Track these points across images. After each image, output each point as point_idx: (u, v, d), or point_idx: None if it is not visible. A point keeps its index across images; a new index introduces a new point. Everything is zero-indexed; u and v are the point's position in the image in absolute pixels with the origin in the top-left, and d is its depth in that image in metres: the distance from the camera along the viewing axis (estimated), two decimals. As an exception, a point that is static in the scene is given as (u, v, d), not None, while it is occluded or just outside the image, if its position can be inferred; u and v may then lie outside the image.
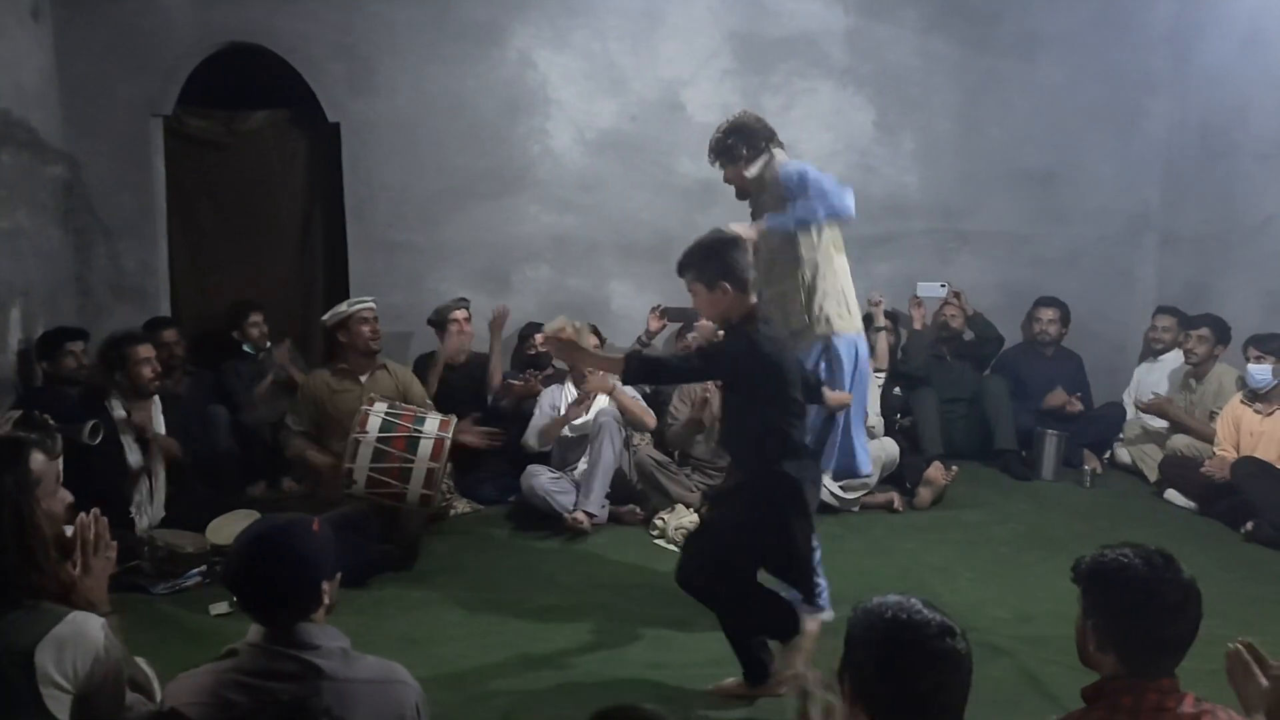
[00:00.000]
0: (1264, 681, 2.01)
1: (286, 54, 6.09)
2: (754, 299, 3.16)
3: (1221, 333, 5.61)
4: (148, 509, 4.56)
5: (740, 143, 3.88)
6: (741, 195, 4.01)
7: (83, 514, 2.15)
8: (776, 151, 3.90)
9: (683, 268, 3.18)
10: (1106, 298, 6.77)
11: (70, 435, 3.70)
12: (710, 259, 3.12)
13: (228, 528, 4.35)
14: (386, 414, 4.42)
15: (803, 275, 3.78)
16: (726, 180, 3.99)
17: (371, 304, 5.20)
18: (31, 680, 1.79)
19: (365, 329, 5.02)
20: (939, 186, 6.66)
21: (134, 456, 4.52)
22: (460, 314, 5.82)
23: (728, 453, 3.54)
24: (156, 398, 4.74)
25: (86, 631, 1.87)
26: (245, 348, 5.92)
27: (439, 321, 5.84)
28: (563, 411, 5.24)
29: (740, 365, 3.13)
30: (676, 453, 5.32)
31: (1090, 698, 1.94)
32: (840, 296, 3.84)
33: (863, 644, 1.70)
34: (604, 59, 6.36)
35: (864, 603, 1.77)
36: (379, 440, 4.32)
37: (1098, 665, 1.95)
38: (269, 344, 5.94)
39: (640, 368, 3.34)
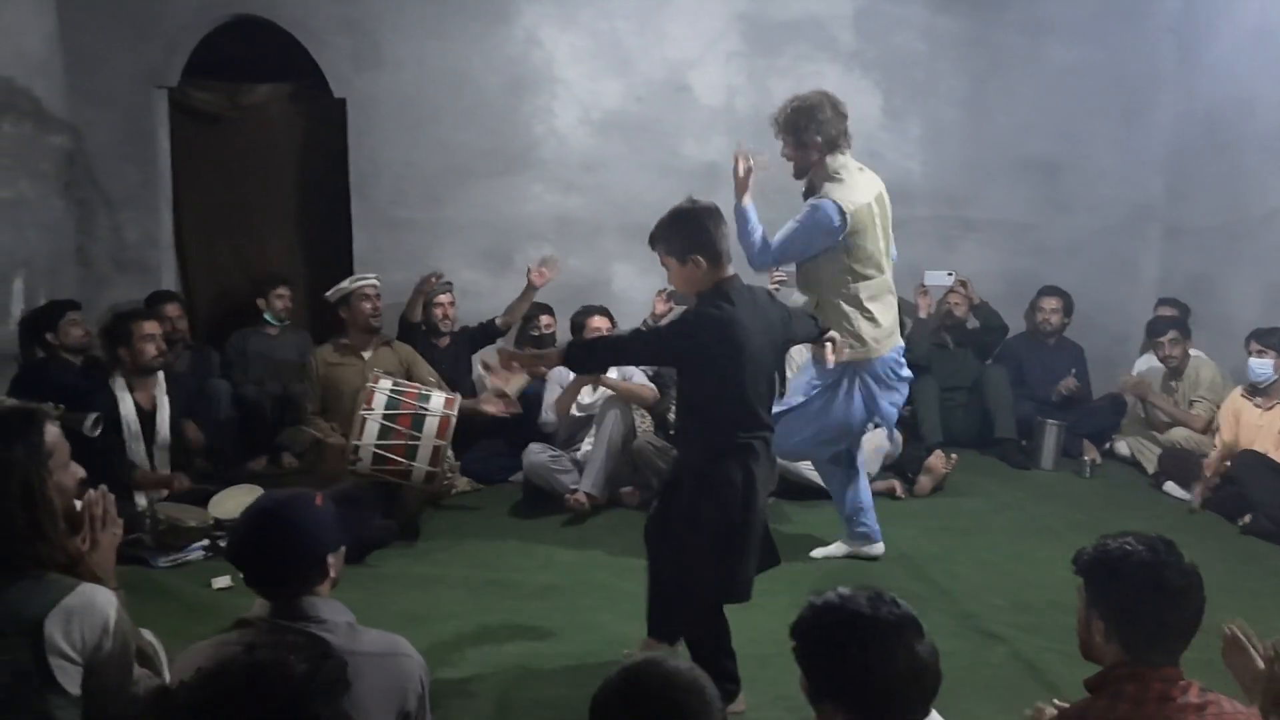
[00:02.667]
0: (1260, 663, 2.03)
1: (291, 27, 6.05)
2: (729, 272, 2.94)
3: (1185, 329, 5.74)
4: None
5: (808, 124, 3.85)
6: (800, 174, 4.00)
7: (90, 490, 2.15)
8: (832, 161, 3.87)
9: (654, 239, 3.00)
10: (1109, 288, 6.77)
11: (71, 425, 3.71)
12: (681, 229, 2.93)
13: (229, 502, 4.37)
14: (392, 391, 4.41)
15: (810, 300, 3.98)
16: (786, 156, 3.97)
17: (374, 281, 5.21)
18: (40, 650, 1.80)
19: (366, 305, 5.05)
20: (944, 173, 6.65)
21: (136, 444, 4.54)
22: (445, 297, 5.82)
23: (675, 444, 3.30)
24: (161, 374, 4.75)
25: (95, 603, 1.87)
26: (266, 316, 5.94)
27: (425, 304, 5.85)
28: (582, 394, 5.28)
29: (683, 350, 2.92)
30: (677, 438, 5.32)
31: (1094, 687, 1.95)
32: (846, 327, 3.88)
33: (825, 660, 1.67)
34: (610, 39, 6.33)
35: (798, 621, 1.73)
36: (385, 417, 4.32)
37: (1101, 657, 1.96)
38: (286, 321, 5.96)
39: (581, 355, 3.16)
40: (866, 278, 3.94)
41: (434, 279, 5.79)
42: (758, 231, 3.90)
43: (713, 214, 2.95)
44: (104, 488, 2.16)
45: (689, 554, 2.98)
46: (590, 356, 3.24)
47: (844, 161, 3.89)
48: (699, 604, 3.06)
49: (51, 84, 5.75)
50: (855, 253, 3.89)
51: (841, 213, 3.79)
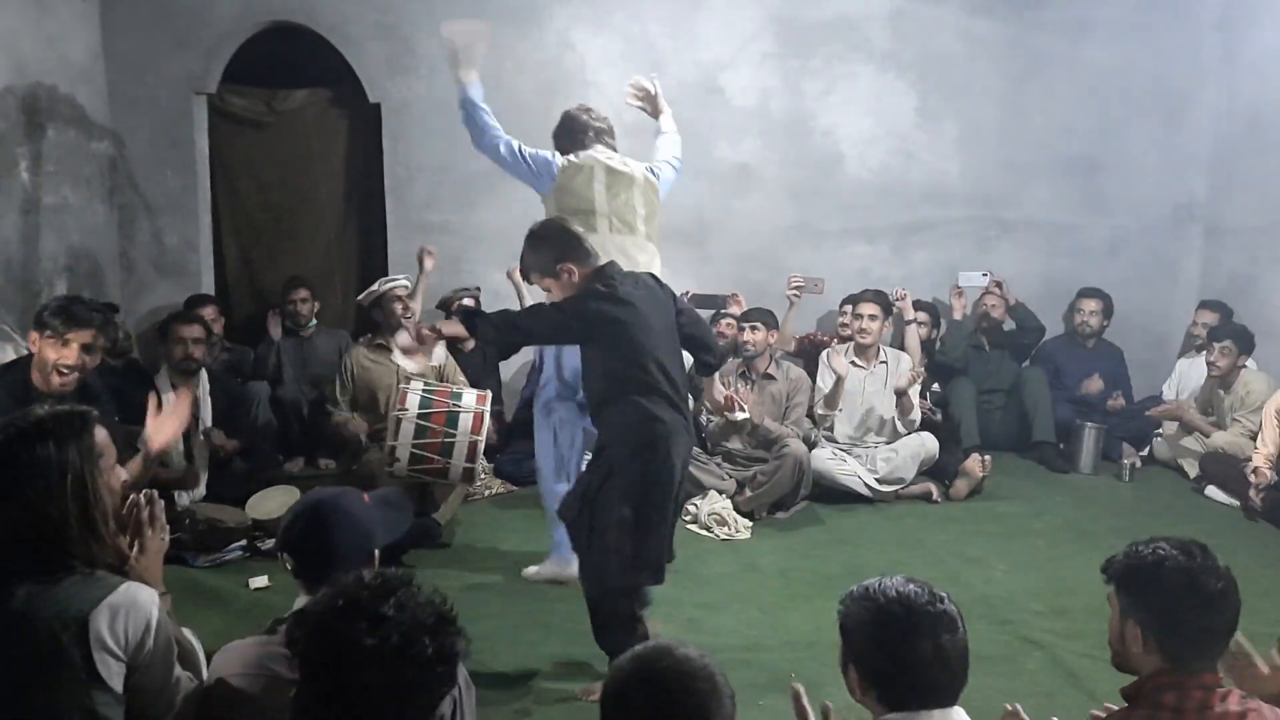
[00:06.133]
0: (1265, 669, 2.00)
1: (327, 33, 6.11)
2: (598, 261, 3.12)
3: (1245, 343, 5.52)
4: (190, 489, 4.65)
5: (563, 135, 4.01)
6: None
7: (138, 494, 2.20)
8: (596, 149, 3.95)
9: (524, 272, 3.22)
10: (1149, 290, 6.66)
11: (131, 439, 3.82)
12: (541, 249, 3.13)
13: (267, 503, 4.42)
14: (424, 390, 4.45)
15: None
16: None
17: (405, 282, 5.27)
18: (85, 645, 1.83)
19: (398, 306, 5.12)
20: (980, 174, 6.58)
21: (175, 443, 4.61)
22: (467, 303, 5.84)
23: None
24: (204, 375, 4.84)
25: (139, 601, 1.91)
26: (287, 323, 6.00)
27: (445, 307, 5.92)
28: None
29: (580, 323, 3.02)
30: (709, 444, 5.31)
31: (1131, 697, 1.91)
32: None
33: (859, 631, 1.78)
34: (643, 41, 6.33)
35: (847, 594, 1.84)
36: (419, 417, 4.35)
37: (1138, 666, 1.92)
38: (314, 321, 6.02)
39: (485, 327, 3.10)
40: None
41: (428, 252, 5.84)
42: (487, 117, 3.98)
43: (558, 227, 3.20)
44: (153, 492, 2.21)
45: (610, 528, 2.99)
46: (493, 329, 3.12)
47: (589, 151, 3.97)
48: (621, 585, 3.05)
49: (94, 91, 5.86)
50: (565, 206, 3.87)
51: (552, 154, 3.92)
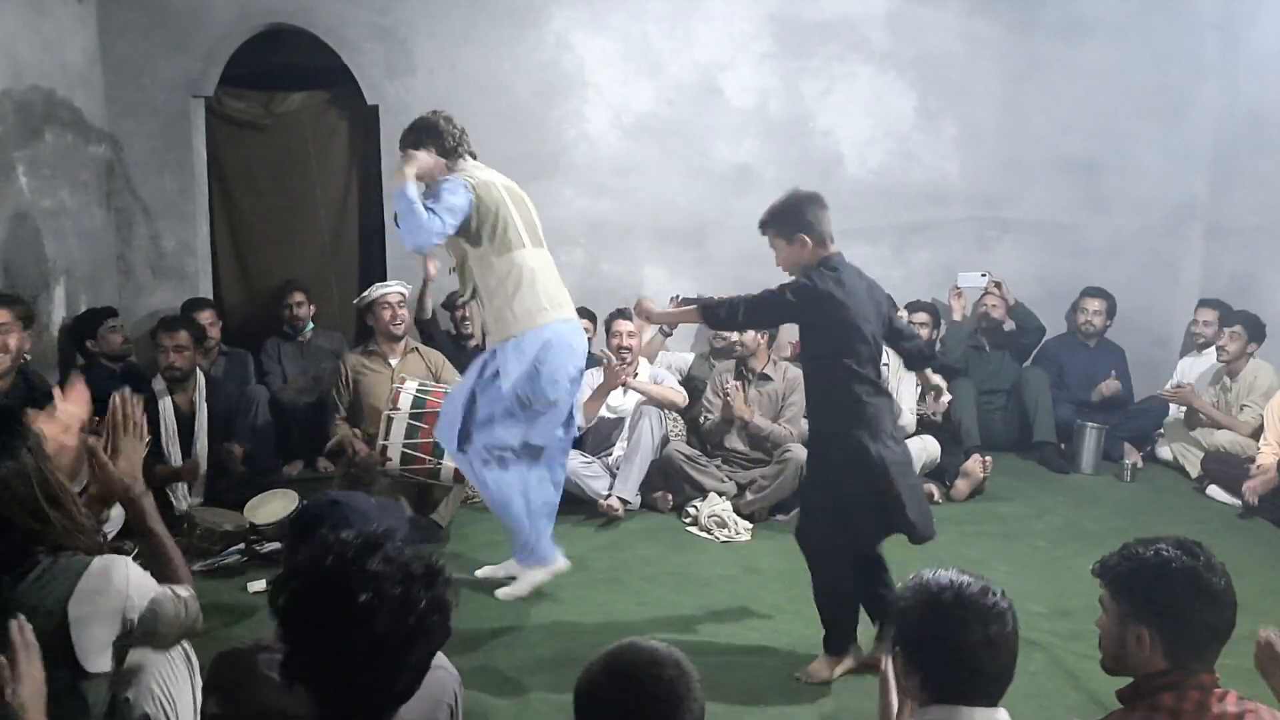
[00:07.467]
0: None
1: (325, 35, 6.11)
2: (831, 249, 3.30)
3: (1255, 330, 5.55)
4: (187, 491, 4.64)
5: (425, 138, 3.71)
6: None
7: (115, 395, 2.19)
8: (464, 163, 3.74)
9: (764, 225, 3.36)
10: (1150, 289, 6.64)
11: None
12: (788, 214, 3.32)
13: (265, 507, 4.41)
14: (418, 391, 4.44)
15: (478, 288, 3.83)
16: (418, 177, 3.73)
17: (399, 289, 5.25)
18: (65, 633, 1.82)
19: (387, 313, 5.11)
20: (980, 174, 6.57)
21: (173, 446, 4.66)
22: (474, 305, 5.83)
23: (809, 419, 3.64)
24: (201, 378, 4.83)
25: (112, 577, 1.90)
26: (284, 328, 5.99)
27: (450, 305, 5.95)
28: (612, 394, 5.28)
29: (790, 310, 3.30)
30: (708, 445, 5.29)
31: (1127, 699, 1.90)
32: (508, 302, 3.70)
33: (910, 614, 1.81)
34: (641, 42, 6.32)
35: (903, 582, 1.88)
36: (411, 416, 4.34)
37: (1137, 668, 1.89)
38: (311, 324, 6.01)
39: (720, 312, 3.38)
40: (507, 251, 3.72)
41: (433, 269, 5.73)
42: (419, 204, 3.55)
43: (815, 199, 3.33)
44: (126, 390, 2.21)
45: (823, 505, 3.34)
46: (729, 314, 3.40)
47: (464, 165, 3.75)
48: (830, 555, 3.37)
49: (91, 95, 5.85)
50: (487, 225, 3.67)
51: (466, 185, 3.62)
